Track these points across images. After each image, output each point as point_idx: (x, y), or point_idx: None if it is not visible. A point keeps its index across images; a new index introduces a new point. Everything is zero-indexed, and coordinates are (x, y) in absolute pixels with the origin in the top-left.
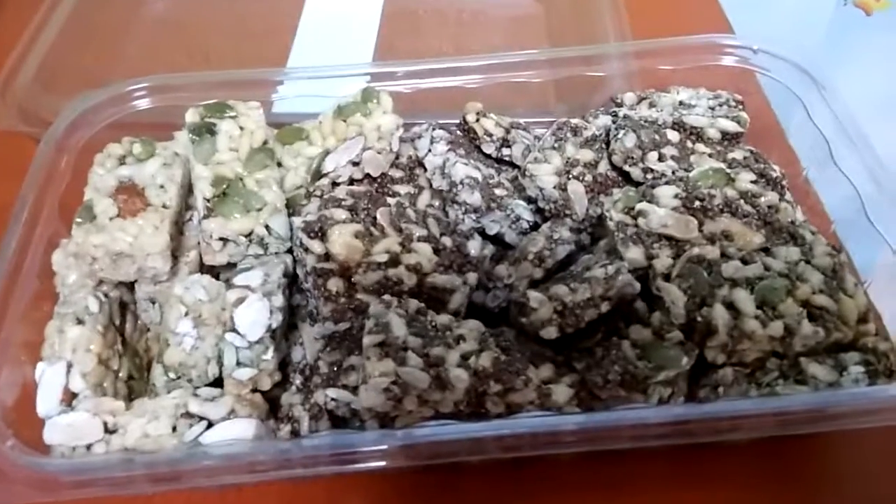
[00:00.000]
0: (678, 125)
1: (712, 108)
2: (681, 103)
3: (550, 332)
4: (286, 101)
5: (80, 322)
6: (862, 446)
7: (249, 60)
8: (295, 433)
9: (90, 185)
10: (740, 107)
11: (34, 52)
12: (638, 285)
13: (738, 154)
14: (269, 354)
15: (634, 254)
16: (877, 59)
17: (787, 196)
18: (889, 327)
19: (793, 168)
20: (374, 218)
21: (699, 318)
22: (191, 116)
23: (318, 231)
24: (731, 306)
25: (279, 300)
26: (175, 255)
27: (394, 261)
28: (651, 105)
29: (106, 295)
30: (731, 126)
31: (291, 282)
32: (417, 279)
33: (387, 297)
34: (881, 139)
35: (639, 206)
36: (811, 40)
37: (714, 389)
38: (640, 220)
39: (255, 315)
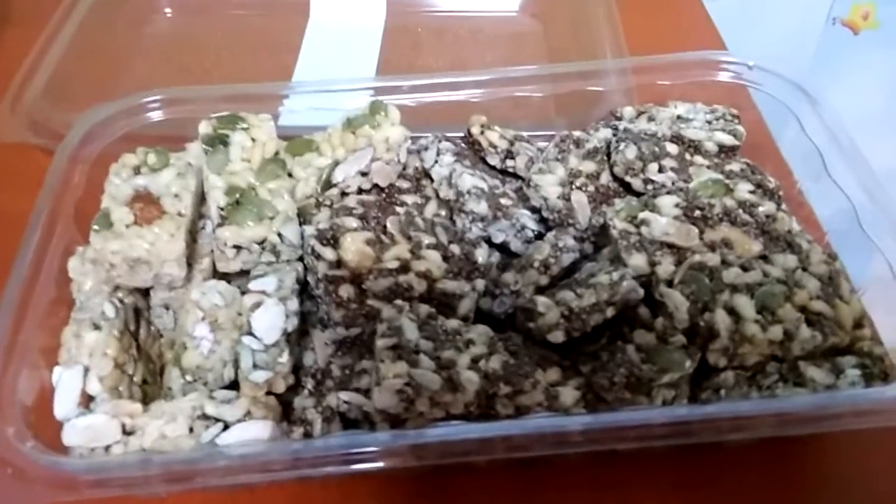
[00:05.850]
0: (677, 138)
1: (709, 122)
2: (679, 117)
3: (557, 336)
4: (293, 114)
5: (96, 327)
6: (859, 447)
7: (253, 76)
8: (308, 435)
9: (106, 193)
10: (736, 121)
11: (43, 67)
12: (641, 291)
13: (735, 166)
14: (285, 357)
15: (637, 261)
16: (865, 76)
17: (784, 206)
18: (882, 334)
19: (786, 181)
20: (384, 226)
21: (701, 323)
22: (204, 128)
23: (331, 238)
24: (732, 311)
25: (294, 305)
26: (189, 262)
27: (404, 267)
28: (650, 119)
29: (121, 301)
30: (728, 139)
31: (302, 289)
32: (427, 285)
33: (399, 301)
34: (870, 154)
35: (641, 216)
36: (801, 59)
37: (716, 392)
38: (643, 229)
39: (272, 319)
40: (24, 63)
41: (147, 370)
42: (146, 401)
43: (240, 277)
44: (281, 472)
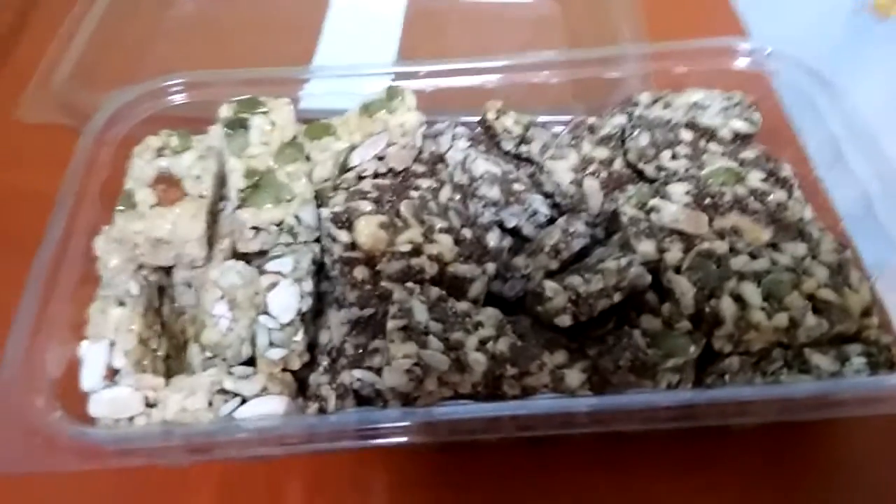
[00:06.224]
0: (691, 125)
1: (725, 109)
2: (695, 104)
3: (565, 320)
4: (312, 97)
5: (121, 304)
6: (863, 434)
7: (275, 60)
8: (322, 411)
9: (130, 175)
10: (753, 108)
11: (70, 49)
12: (649, 277)
13: (749, 153)
14: (299, 336)
15: (646, 247)
16: (891, 64)
17: (797, 194)
18: (895, 321)
19: (803, 168)
20: (398, 210)
21: (707, 309)
22: (225, 112)
23: (346, 221)
24: (738, 298)
25: (308, 285)
26: (210, 242)
27: (416, 250)
28: (666, 105)
29: (146, 278)
30: (744, 126)
31: (319, 269)
32: (439, 268)
33: (410, 284)
34: (894, 142)
35: (651, 202)
36: (826, 46)
37: (720, 377)
38: (653, 216)
39: (287, 299)
40: (52, 45)
41: (170, 345)
42: (169, 375)
43: (259, 257)
44: (296, 446)
